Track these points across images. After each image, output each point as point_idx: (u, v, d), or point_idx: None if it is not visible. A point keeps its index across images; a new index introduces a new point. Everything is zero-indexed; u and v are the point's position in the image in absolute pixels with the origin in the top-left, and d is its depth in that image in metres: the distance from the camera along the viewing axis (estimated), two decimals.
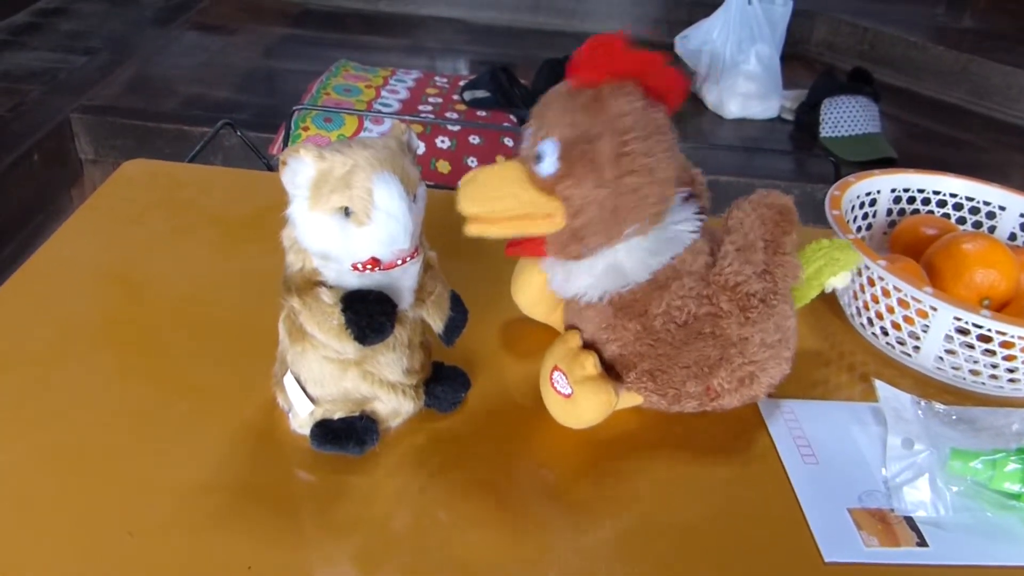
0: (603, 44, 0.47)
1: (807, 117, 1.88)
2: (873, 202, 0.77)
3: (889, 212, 0.79)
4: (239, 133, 1.15)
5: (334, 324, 0.47)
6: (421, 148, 1.44)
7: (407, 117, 1.48)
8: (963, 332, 0.61)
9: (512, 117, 1.63)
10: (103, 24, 2.09)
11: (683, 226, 0.52)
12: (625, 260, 0.51)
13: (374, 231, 0.45)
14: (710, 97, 1.97)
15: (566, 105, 0.48)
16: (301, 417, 0.52)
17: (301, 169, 0.45)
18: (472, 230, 0.49)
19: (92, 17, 2.12)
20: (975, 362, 0.62)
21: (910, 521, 0.51)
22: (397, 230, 0.45)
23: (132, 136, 1.67)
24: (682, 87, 0.49)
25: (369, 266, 0.46)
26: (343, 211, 0.45)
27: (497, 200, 0.48)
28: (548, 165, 0.47)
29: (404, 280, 0.49)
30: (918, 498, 0.52)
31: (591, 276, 0.52)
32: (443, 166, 1.46)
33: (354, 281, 0.48)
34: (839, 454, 0.56)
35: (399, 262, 0.47)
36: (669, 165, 0.48)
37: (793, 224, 0.52)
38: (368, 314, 0.46)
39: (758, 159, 1.80)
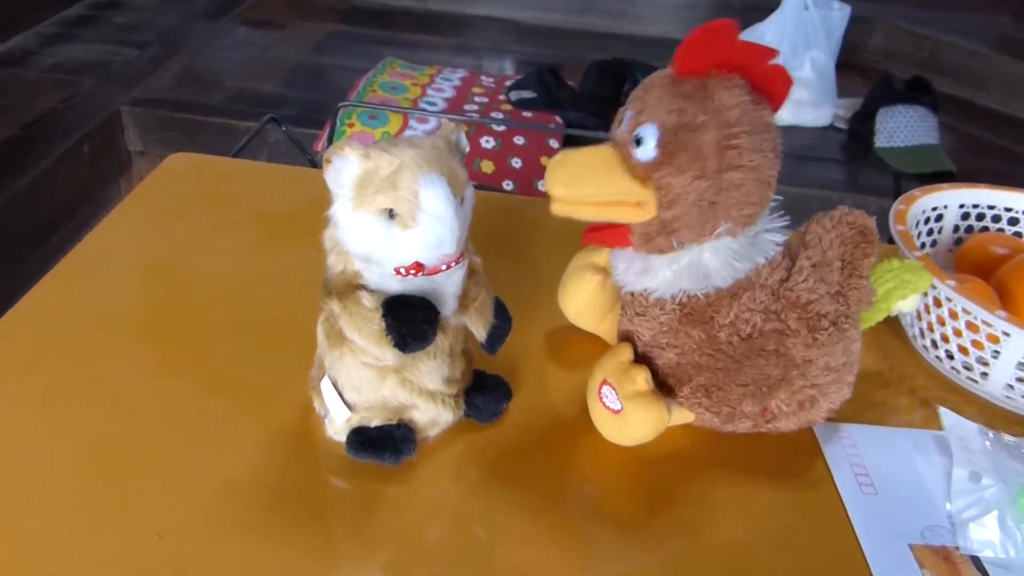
0: (712, 32, 0.45)
1: (861, 126, 1.82)
2: (939, 217, 0.74)
3: (955, 229, 0.75)
4: (284, 129, 1.15)
5: (374, 329, 0.46)
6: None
7: (452, 116, 1.47)
8: None
9: (558, 118, 1.61)
10: (155, 18, 2.12)
11: (771, 235, 0.49)
12: (710, 261, 0.48)
13: (419, 235, 0.43)
14: None
15: (670, 91, 0.45)
16: (337, 423, 0.51)
17: (345, 168, 0.44)
18: (558, 209, 0.47)
19: (145, 11, 2.16)
20: None
21: (976, 561, 0.48)
22: (443, 234, 0.43)
23: (179, 129, 1.69)
24: (787, 86, 0.47)
25: (412, 271, 0.45)
26: (388, 213, 0.43)
27: (586, 185, 0.46)
28: (647, 151, 0.45)
29: (448, 286, 0.48)
30: (986, 537, 0.49)
31: (671, 271, 0.49)
32: (487, 166, 1.45)
33: (396, 286, 0.46)
34: (900, 485, 0.53)
35: (444, 267, 0.46)
36: (772, 165, 0.46)
37: (874, 246, 0.49)
38: (410, 320, 0.45)
39: (810, 168, 1.75)
